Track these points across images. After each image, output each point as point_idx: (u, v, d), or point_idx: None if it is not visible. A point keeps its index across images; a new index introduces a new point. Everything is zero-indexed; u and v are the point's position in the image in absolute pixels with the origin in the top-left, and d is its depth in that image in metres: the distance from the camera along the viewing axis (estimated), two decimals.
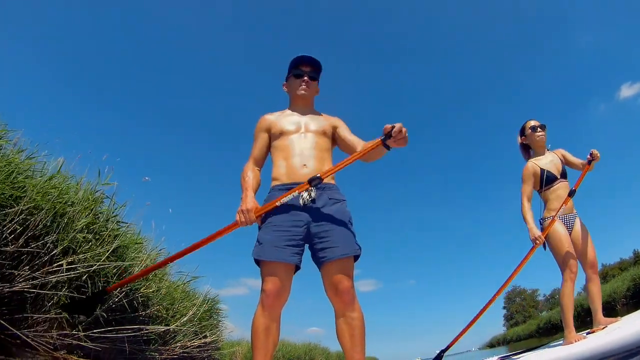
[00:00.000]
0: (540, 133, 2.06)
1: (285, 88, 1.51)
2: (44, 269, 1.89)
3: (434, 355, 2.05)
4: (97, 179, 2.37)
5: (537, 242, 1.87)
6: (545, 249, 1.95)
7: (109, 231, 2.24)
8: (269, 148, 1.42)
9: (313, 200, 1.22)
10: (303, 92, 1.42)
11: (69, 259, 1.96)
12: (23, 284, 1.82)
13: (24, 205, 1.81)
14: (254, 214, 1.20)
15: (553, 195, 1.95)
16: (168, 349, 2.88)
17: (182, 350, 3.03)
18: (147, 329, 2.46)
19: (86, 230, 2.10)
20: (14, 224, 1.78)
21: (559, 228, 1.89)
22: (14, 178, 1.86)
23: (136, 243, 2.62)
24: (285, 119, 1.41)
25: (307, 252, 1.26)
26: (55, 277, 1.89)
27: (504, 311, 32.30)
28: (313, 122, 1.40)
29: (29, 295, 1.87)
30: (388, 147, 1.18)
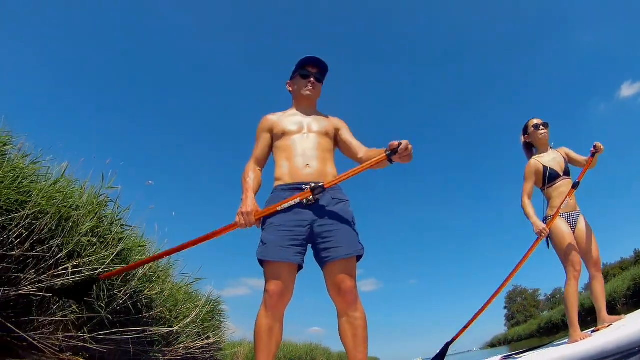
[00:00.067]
0: (543, 131, 2.05)
1: (289, 87, 1.50)
2: (50, 273, 1.92)
3: (439, 351, 1.99)
4: (100, 183, 2.39)
5: (543, 234, 1.86)
6: (548, 247, 1.94)
7: (113, 234, 2.27)
8: (271, 148, 1.41)
9: (316, 201, 1.22)
10: (308, 92, 1.43)
11: (74, 262, 1.98)
12: (29, 287, 1.84)
13: (30, 209, 1.83)
14: (253, 217, 1.21)
15: (556, 193, 1.94)
16: (171, 350, 2.91)
17: (185, 352, 3.06)
18: (151, 331, 2.49)
19: (91, 234, 2.13)
20: (19, 228, 1.80)
21: (562, 226, 1.88)
22: (19, 183, 1.89)
23: (140, 246, 2.65)
24: (288, 119, 1.41)
25: (309, 252, 1.26)
26: (60, 280, 1.92)
27: (505, 311, 32.32)
28: (315, 123, 1.40)
29: (34, 298, 1.90)
30: (391, 162, 1.20)
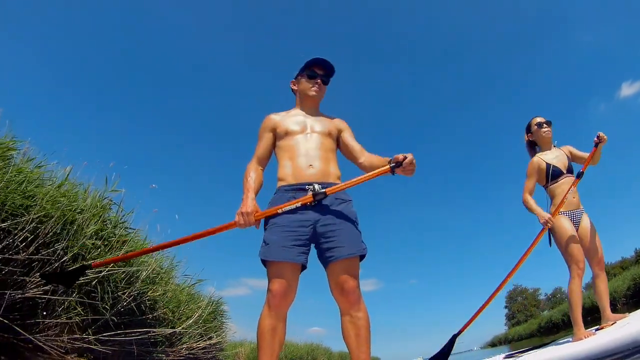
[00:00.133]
0: (546, 129, 2.05)
1: (293, 86, 1.50)
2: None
3: (446, 343, 1.91)
4: (104, 186, 2.42)
5: (549, 223, 1.85)
6: (550, 245, 1.93)
7: (117, 237, 2.29)
8: (273, 147, 1.41)
9: (319, 201, 1.22)
10: (314, 93, 1.43)
11: (79, 265, 2.01)
12: (34, 290, 1.87)
13: (35, 214, 1.85)
14: (253, 218, 1.20)
15: (559, 191, 1.93)
16: (174, 351, 2.94)
17: (188, 352, 3.08)
18: (155, 332, 2.51)
19: (95, 237, 2.15)
20: (25, 232, 1.83)
21: (565, 224, 1.87)
22: (24, 187, 1.91)
23: (143, 248, 2.67)
24: (290, 119, 1.40)
25: (312, 251, 1.26)
26: None
27: (506, 310, 32.32)
28: (318, 123, 1.40)
29: (40, 300, 1.92)
30: (393, 173, 1.21)
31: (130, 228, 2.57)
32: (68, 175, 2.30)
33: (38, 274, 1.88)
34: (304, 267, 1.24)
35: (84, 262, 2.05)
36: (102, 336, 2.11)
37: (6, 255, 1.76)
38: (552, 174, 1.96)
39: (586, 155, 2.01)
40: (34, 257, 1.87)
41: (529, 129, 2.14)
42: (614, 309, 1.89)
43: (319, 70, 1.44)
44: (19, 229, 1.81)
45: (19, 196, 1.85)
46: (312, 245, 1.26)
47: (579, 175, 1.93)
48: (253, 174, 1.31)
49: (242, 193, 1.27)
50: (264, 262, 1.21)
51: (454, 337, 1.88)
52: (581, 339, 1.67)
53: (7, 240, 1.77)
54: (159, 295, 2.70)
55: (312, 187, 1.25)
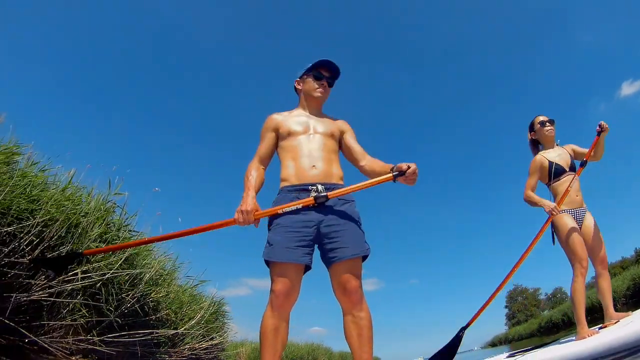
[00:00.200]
0: (549, 128, 2.06)
1: (298, 85, 1.50)
2: (60, 278, 1.96)
3: (454, 336, 1.92)
4: (107, 190, 2.44)
5: (554, 212, 1.85)
6: (553, 244, 1.93)
7: (121, 240, 2.32)
8: (275, 147, 1.41)
9: (324, 197, 1.22)
10: (319, 94, 1.44)
11: (83, 268, 2.03)
12: (40, 292, 1.89)
13: (40, 217, 1.88)
14: (253, 216, 1.20)
15: (561, 188, 1.93)
16: (177, 351, 2.97)
17: (190, 352, 3.11)
18: (158, 332, 2.54)
19: (99, 240, 2.18)
20: (30, 235, 1.85)
21: (569, 222, 1.87)
22: (29, 191, 1.93)
23: (147, 250, 2.70)
24: (293, 120, 1.41)
25: (316, 252, 1.26)
26: (70, 286, 1.97)
27: (506, 310, 32.35)
28: (321, 124, 1.41)
29: (45, 303, 1.95)
30: (395, 181, 1.22)
31: (133, 231, 2.60)
32: (72, 178, 2.33)
33: (43, 276, 1.91)
34: (307, 268, 1.24)
35: (89, 264, 2.08)
36: (106, 337, 2.13)
37: (12, 259, 1.78)
38: (554, 172, 1.97)
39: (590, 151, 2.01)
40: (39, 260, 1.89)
41: (532, 128, 2.14)
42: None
43: (325, 72, 1.45)
44: (24, 232, 1.83)
45: (24, 200, 1.87)
46: (315, 246, 1.26)
47: (583, 164, 1.94)
48: (254, 173, 1.31)
49: (242, 191, 1.27)
50: (268, 262, 1.22)
51: (462, 330, 1.88)
52: (584, 337, 1.67)
53: (13, 244, 1.79)
54: (162, 296, 2.73)
55: (315, 187, 1.25)
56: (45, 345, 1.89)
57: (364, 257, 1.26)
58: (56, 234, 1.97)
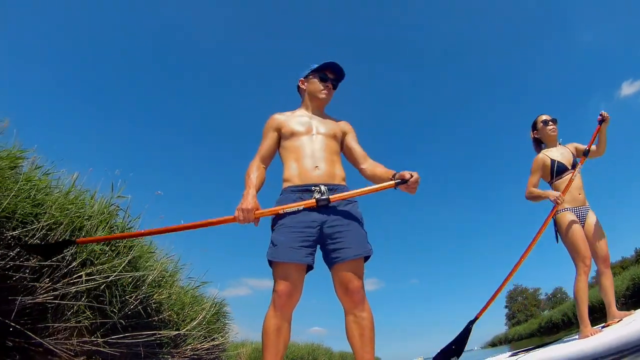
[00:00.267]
0: (551, 127, 2.07)
1: (302, 85, 1.50)
2: (64, 281, 1.99)
3: (461, 330, 1.88)
4: (110, 193, 2.47)
5: (559, 200, 1.85)
6: (557, 242, 1.94)
7: (125, 243, 2.34)
8: (277, 147, 1.41)
9: (326, 200, 1.22)
10: (324, 96, 1.45)
11: (88, 271, 2.06)
12: (44, 295, 1.92)
13: (45, 221, 1.91)
14: (253, 215, 1.19)
15: (564, 186, 1.93)
16: (179, 352, 3.00)
17: (192, 353, 3.14)
18: (160, 334, 2.57)
19: (102, 243, 2.20)
20: (35, 239, 1.88)
21: (572, 220, 1.87)
22: (33, 195, 1.96)
23: (149, 252, 2.73)
24: (296, 120, 1.41)
25: (318, 252, 1.26)
26: (75, 288, 2.00)
27: (506, 310, 32.40)
28: (324, 125, 1.41)
29: (50, 305, 1.97)
30: (395, 188, 1.24)
31: None
32: (75, 182, 2.36)
33: (47, 279, 1.94)
34: (310, 268, 1.25)
35: (93, 267, 2.11)
36: (110, 339, 2.16)
37: (17, 262, 1.81)
38: (557, 170, 1.98)
39: (593, 148, 2.02)
40: (43, 263, 1.91)
41: (534, 126, 2.16)
42: (602, 315, 1.91)
43: (330, 74, 1.46)
44: (29, 236, 1.86)
45: (29, 204, 1.90)
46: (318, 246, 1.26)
47: (585, 154, 1.96)
48: (255, 172, 1.31)
49: (243, 189, 1.26)
50: (271, 262, 1.22)
51: (470, 323, 1.87)
52: (588, 336, 1.68)
53: (18, 247, 1.82)
54: (165, 298, 2.76)
55: (318, 188, 1.26)
56: (50, 347, 1.92)
57: (366, 258, 1.26)
58: (60, 237, 2.00)
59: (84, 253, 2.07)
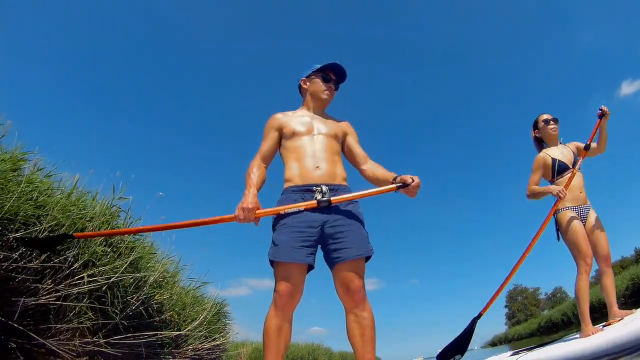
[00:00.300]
0: (552, 126, 2.07)
1: (304, 84, 1.49)
2: (66, 282, 2.01)
3: (466, 327, 1.88)
4: (112, 194, 2.48)
5: (561, 194, 1.84)
6: (558, 240, 1.93)
7: (126, 244, 2.36)
8: (278, 147, 1.41)
9: (327, 202, 1.22)
10: (327, 97, 1.45)
11: (89, 272, 2.07)
12: (47, 296, 1.93)
13: (47, 223, 1.92)
14: (254, 214, 1.19)
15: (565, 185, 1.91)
16: (180, 352, 3.01)
17: (193, 353, 3.16)
18: (162, 334, 2.58)
19: (104, 244, 2.22)
20: None
21: (573, 219, 1.88)
22: (36, 197, 1.97)
23: (151, 253, 2.74)
24: (297, 120, 1.41)
25: (319, 252, 1.26)
26: (77, 289, 2.01)
27: (506, 310, 32.43)
28: (325, 125, 1.41)
29: (52, 306, 1.99)
30: (396, 191, 1.25)
31: (138, 235, 2.62)
32: (76, 183, 2.37)
33: (50, 280, 1.95)
34: (311, 268, 1.25)
35: (94, 268, 2.12)
36: (112, 339, 2.17)
37: (20, 264, 1.82)
38: (558, 169, 1.98)
39: (594, 145, 2.02)
40: (46, 264, 1.93)
41: (535, 126, 2.16)
42: (604, 314, 1.91)
43: (333, 75, 1.47)
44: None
45: (31, 206, 1.91)
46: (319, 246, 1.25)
47: (586, 148, 1.96)
48: (256, 171, 1.31)
49: (244, 188, 1.26)
50: (272, 262, 1.22)
51: (475, 320, 1.86)
52: (589, 335, 1.68)
53: (20, 249, 1.83)
54: (166, 298, 2.77)
55: (319, 188, 1.26)
56: (53, 348, 1.94)
57: (367, 258, 1.26)
58: None
59: (86, 254, 2.08)
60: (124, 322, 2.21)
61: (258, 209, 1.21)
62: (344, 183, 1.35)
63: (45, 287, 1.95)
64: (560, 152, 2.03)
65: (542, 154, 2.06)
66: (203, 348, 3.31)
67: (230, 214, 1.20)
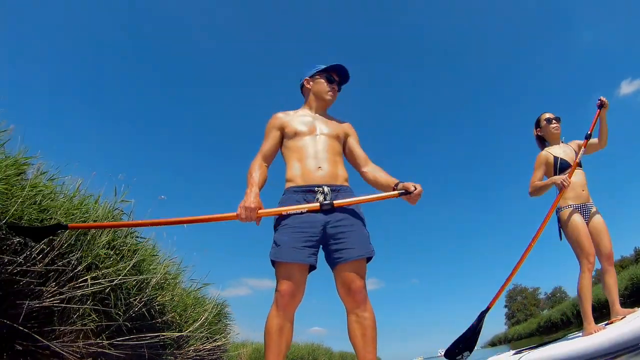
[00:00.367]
0: (555, 125, 2.08)
1: (307, 84, 1.49)
2: (70, 285, 2.03)
3: (474, 321, 1.88)
4: (114, 198, 2.50)
5: (565, 182, 1.83)
6: (560, 239, 1.93)
7: (129, 246, 2.38)
8: (279, 146, 1.41)
9: (330, 204, 1.23)
10: (330, 97, 1.46)
11: (93, 274, 2.10)
12: (51, 299, 1.96)
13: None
14: (256, 214, 1.19)
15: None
16: (182, 353, 3.04)
17: (195, 354, 3.19)
18: (164, 335, 2.60)
19: (107, 247, 2.24)
20: (41, 244, 1.91)
21: (576, 217, 1.87)
22: (39, 201, 1.99)
23: (153, 255, 2.76)
24: (299, 119, 1.41)
25: (320, 252, 1.26)
26: (80, 292, 2.04)
27: (506, 310, 32.48)
28: (327, 126, 1.41)
29: (56, 309, 2.01)
30: (399, 197, 1.27)
31: (140, 237, 2.66)
32: (79, 187, 2.39)
33: (54, 283, 1.98)
34: (312, 268, 1.25)
35: (98, 270, 2.15)
36: (115, 341, 2.20)
37: (24, 267, 1.84)
38: (560, 167, 1.98)
39: (595, 141, 2.03)
40: (50, 267, 1.95)
41: (537, 124, 2.16)
42: (609, 311, 1.89)
43: (336, 76, 1.47)
44: None
45: (35, 210, 1.93)
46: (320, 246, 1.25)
47: (587, 137, 1.97)
48: (258, 170, 1.31)
49: (246, 187, 1.26)
50: (274, 262, 1.22)
51: (483, 314, 1.84)
52: (591, 333, 1.68)
53: (24, 253, 1.85)
54: (168, 300, 2.80)
55: (321, 189, 1.27)
56: (57, 350, 1.96)
57: (369, 259, 1.27)
58: (66, 242, 2.03)
59: (89, 257, 2.11)
60: (127, 323, 2.23)
61: (260, 208, 1.21)
62: (346, 184, 1.35)
63: (50, 290, 1.97)
64: (562, 151, 2.03)
65: (544, 152, 2.06)
66: (204, 349, 3.34)
67: (232, 212, 1.20)
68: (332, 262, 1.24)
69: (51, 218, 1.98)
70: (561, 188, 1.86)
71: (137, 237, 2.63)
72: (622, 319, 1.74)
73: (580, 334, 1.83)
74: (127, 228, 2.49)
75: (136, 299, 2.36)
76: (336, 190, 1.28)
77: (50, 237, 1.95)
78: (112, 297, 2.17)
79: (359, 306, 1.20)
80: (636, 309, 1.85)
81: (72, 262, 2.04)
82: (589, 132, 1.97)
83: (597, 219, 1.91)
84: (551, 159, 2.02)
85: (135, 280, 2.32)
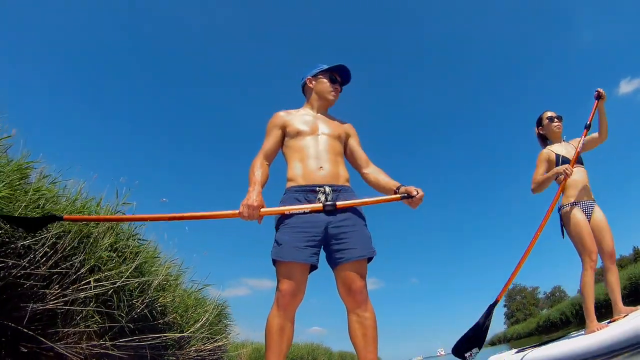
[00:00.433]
0: (556, 124, 2.08)
1: (309, 83, 1.49)
2: (73, 287, 2.06)
3: (483, 314, 1.82)
4: (115, 200, 2.53)
5: (568, 171, 1.82)
6: (563, 237, 1.93)
7: (131, 249, 2.41)
8: (281, 145, 1.40)
9: (332, 205, 1.22)
10: (333, 97, 1.46)
11: (96, 277, 2.13)
12: (54, 301, 1.98)
13: (54, 230, 1.97)
14: (258, 212, 1.18)
15: (569, 180, 1.90)
16: (183, 353, 3.07)
17: (196, 354, 3.22)
18: (166, 336, 2.63)
19: (110, 249, 2.27)
20: (45, 247, 1.94)
21: (578, 215, 1.87)
22: (42, 206, 2.02)
23: (154, 257, 2.79)
24: (300, 119, 1.40)
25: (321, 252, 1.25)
26: (83, 294, 2.06)
27: (505, 309, 32.52)
28: (328, 125, 1.41)
29: (59, 311, 2.04)
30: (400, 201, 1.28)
31: (142, 239, 2.69)
32: (81, 190, 2.42)
33: (57, 285, 2.01)
34: (313, 268, 1.25)
35: (100, 273, 2.18)
36: (118, 342, 2.23)
37: (28, 270, 1.87)
38: (561, 164, 1.97)
39: (595, 135, 2.05)
40: (53, 270, 1.98)
41: (539, 123, 2.16)
42: (608, 311, 1.90)
43: (339, 77, 1.48)
44: (39, 244, 1.92)
45: (38, 214, 1.96)
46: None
47: (587, 127, 1.97)
48: (259, 169, 1.31)
49: (248, 185, 1.25)
50: (275, 262, 1.22)
51: (491, 307, 1.82)
52: (594, 331, 1.67)
53: (28, 256, 1.88)
54: (169, 301, 2.83)
55: (322, 189, 1.27)
56: (61, 351, 1.99)
57: (370, 259, 1.27)
58: (69, 245, 2.06)
59: (92, 260, 2.14)
60: (129, 325, 2.26)
61: (262, 207, 1.21)
62: (347, 184, 1.35)
63: (53, 292, 2.00)
64: (564, 149, 2.04)
65: (546, 149, 2.07)
66: (205, 349, 3.37)
67: (234, 210, 1.20)
68: (334, 262, 1.24)
69: None
70: (564, 177, 1.86)
71: (139, 239, 2.66)
72: (624, 317, 1.74)
73: (583, 332, 1.84)
74: (129, 230, 2.52)
75: (138, 300, 2.39)
76: (337, 191, 1.29)
77: (53, 240, 1.98)
78: (115, 299, 2.20)
79: (359, 306, 1.20)
80: (639, 307, 1.85)
81: (75, 264, 2.06)
82: (588, 122, 1.98)
83: (600, 217, 1.90)
84: (553, 157, 2.02)
85: (137, 282, 2.35)
